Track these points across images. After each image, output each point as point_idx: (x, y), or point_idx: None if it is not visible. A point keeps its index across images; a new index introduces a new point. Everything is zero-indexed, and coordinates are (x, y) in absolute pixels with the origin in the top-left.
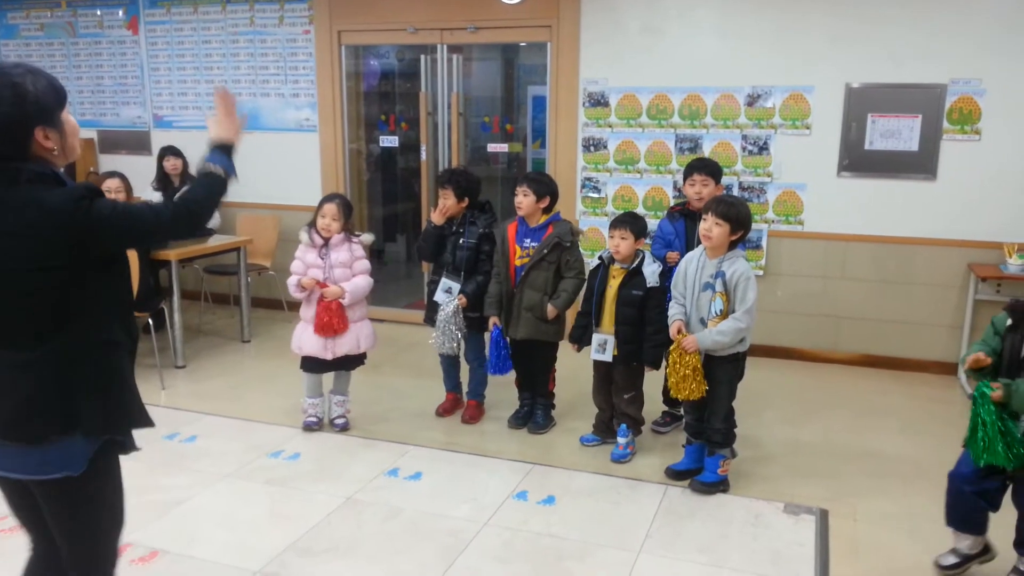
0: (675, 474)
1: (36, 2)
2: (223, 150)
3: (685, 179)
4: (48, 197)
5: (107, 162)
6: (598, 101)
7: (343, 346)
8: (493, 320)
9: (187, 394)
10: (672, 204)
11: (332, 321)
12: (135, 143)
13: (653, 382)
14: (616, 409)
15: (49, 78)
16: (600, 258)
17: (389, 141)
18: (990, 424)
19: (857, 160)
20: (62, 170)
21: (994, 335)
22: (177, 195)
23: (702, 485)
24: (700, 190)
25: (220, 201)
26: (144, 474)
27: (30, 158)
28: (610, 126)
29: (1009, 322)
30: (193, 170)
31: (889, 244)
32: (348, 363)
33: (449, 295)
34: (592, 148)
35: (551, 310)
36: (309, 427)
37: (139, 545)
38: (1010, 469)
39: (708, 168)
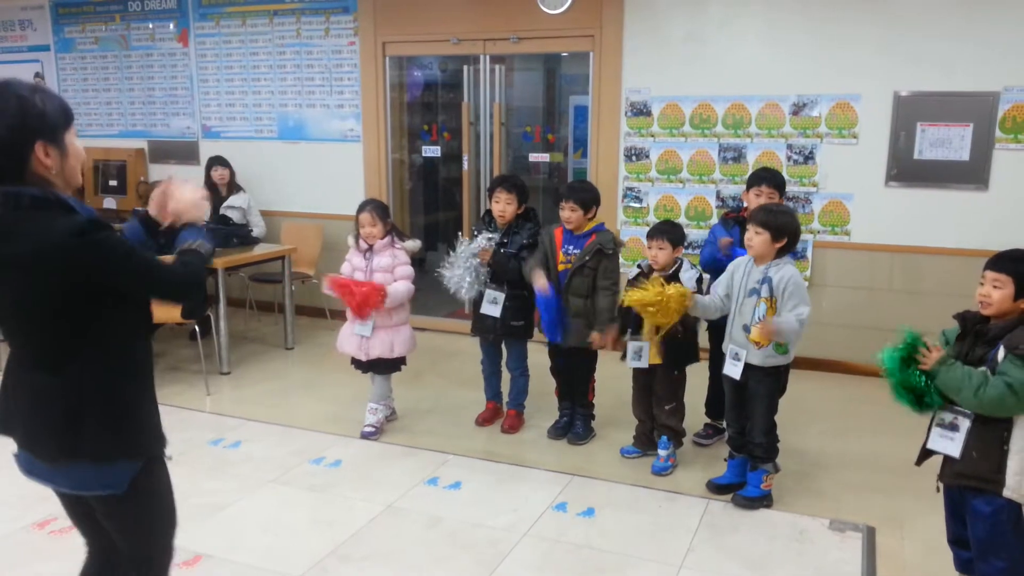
0: (717, 488)
1: (91, 17)
2: (193, 227)
3: (750, 187)
4: (51, 226)
5: (157, 171)
6: (640, 110)
7: (376, 348)
8: (540, 283)
9: (232, 400)
10: (727, 211)
11: (361, 298)
12: (184, 153)
13: (695, 393)
14: (656, 421)
15: (59, 98)
16: (639, 267)
17: (431, 151)
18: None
19: (906, 170)
20: (68, 196)
21: (944, 342)
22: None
23: (745, 500)
24: (766, 202)
25: (205, 275)
26: (189, 479)
27: (28, 177)
28: (652, 136)
29: (959, 331)
30: (240, 180)
31: (938, 255)
32: (382, 366)
33: (495, 305)
34: (634, 158)
35: (595, 337)
36: (364, 436)
37: (183, 549)
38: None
39: (774, 181)
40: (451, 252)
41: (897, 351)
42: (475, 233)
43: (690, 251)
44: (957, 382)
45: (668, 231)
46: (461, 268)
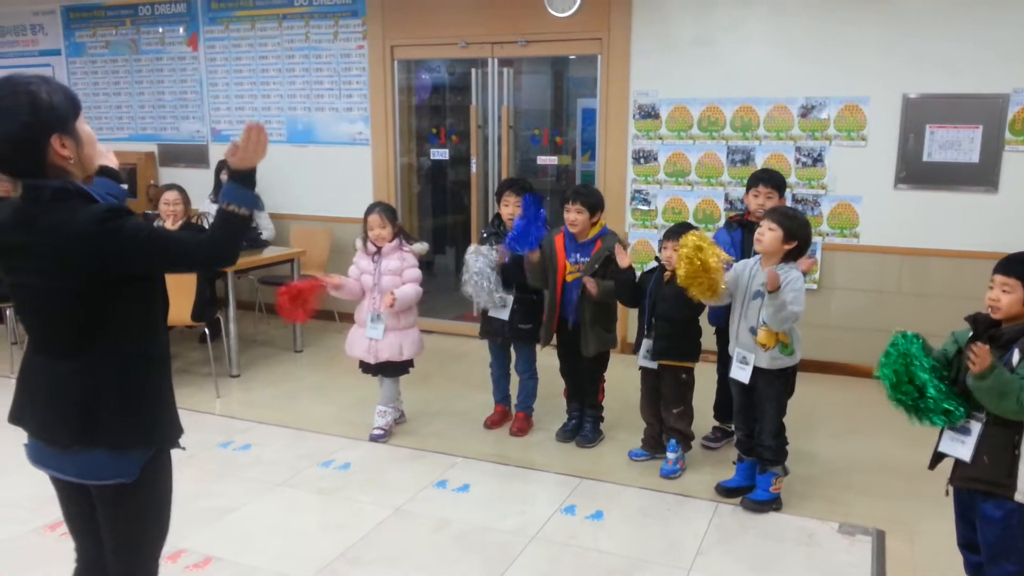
0: (726, 491)
1: (102, 21)
2: (241, 181)
3: (748, 189)
4: (73, 217)
5: (167, 175)
6: (648, 113)
7: (384, 351)
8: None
9: (241, 403)
10: (731, 215)
11: (293, 304)
12: (194, 156)
13: (703, 396)
14: (665, 424)
15: (63, 87)
16: (657, 259)
17: (440, 154)
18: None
19: (915, 172)
20: (88, 185)
21: (953, 343)
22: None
23: (754, 503)
24: (764, 203)
25: (243, 240)
26: (198, 481)
27: (48, 171)
28: (660, 138)
29: (970, 333)
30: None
31: (948, 258)
32: (390, 369)
33: (504, 308)
34: (642, 160)
35: (591, 284)
36: (373, 439)
37: (193, 552)
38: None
39: (773, 180)
40: (467, 270)
41: (891, 363)
42: (483, 236)
43: None
44: (1007, 386)
45: (684, 233)
46: (475, 285)
